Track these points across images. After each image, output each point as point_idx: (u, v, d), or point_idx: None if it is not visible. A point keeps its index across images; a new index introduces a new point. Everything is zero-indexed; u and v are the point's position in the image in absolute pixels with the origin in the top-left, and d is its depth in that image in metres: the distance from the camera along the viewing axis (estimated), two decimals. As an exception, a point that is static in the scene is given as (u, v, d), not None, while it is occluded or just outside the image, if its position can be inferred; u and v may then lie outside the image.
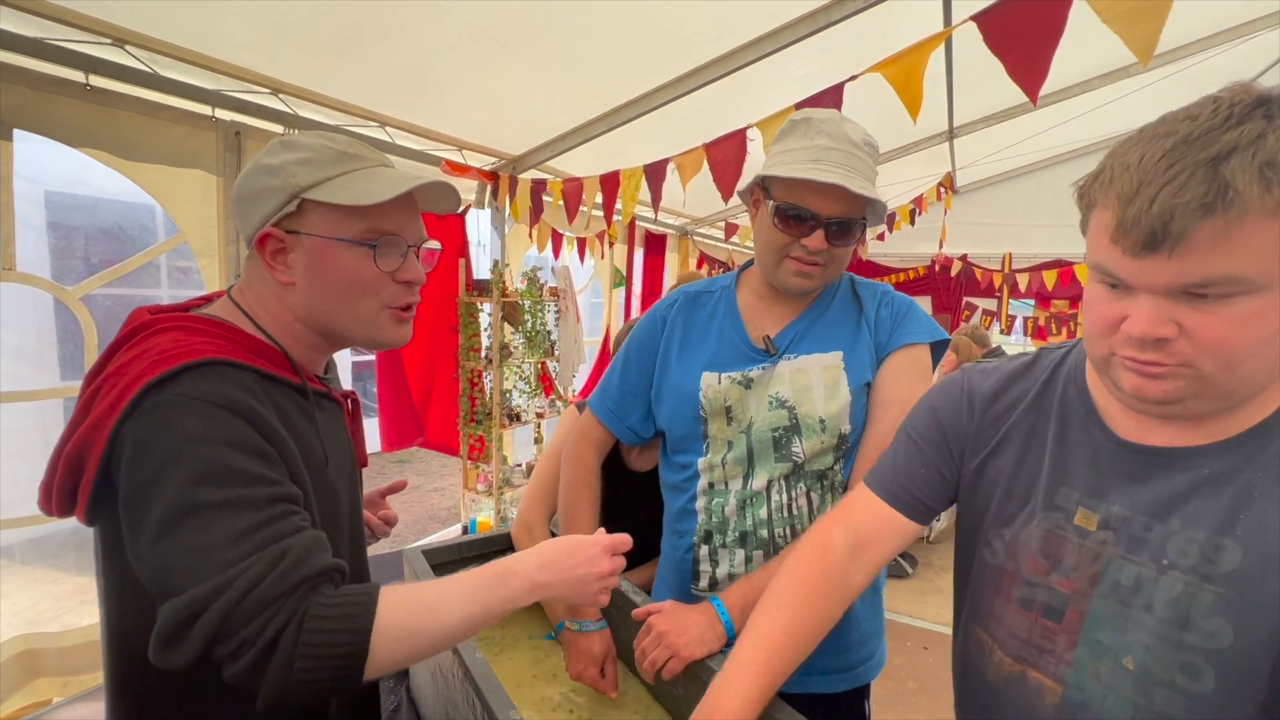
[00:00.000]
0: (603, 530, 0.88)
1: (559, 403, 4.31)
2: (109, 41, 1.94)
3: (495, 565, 0.77)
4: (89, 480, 0.68)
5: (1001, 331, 7.17)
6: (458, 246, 3.72)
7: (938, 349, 1.14)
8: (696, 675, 0.96)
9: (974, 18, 1.65)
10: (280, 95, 2.43)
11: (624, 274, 5.17)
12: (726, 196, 2.44)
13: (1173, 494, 0.66)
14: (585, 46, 2.55)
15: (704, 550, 1.17)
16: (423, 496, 7.00)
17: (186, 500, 0.63)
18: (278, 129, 2.49)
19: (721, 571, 1.15)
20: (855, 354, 1.11)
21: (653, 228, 5.39)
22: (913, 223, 5.69)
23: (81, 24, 1.86)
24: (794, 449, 1.10)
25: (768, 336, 1.14)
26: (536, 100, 2.96)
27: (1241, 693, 0.61)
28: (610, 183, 3.02)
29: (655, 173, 2.76)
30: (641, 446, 1.47)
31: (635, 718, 1.08)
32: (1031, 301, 7.27)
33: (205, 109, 2.25)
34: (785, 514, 1.11)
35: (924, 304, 1.26)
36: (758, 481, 1.11)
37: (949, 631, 0.94)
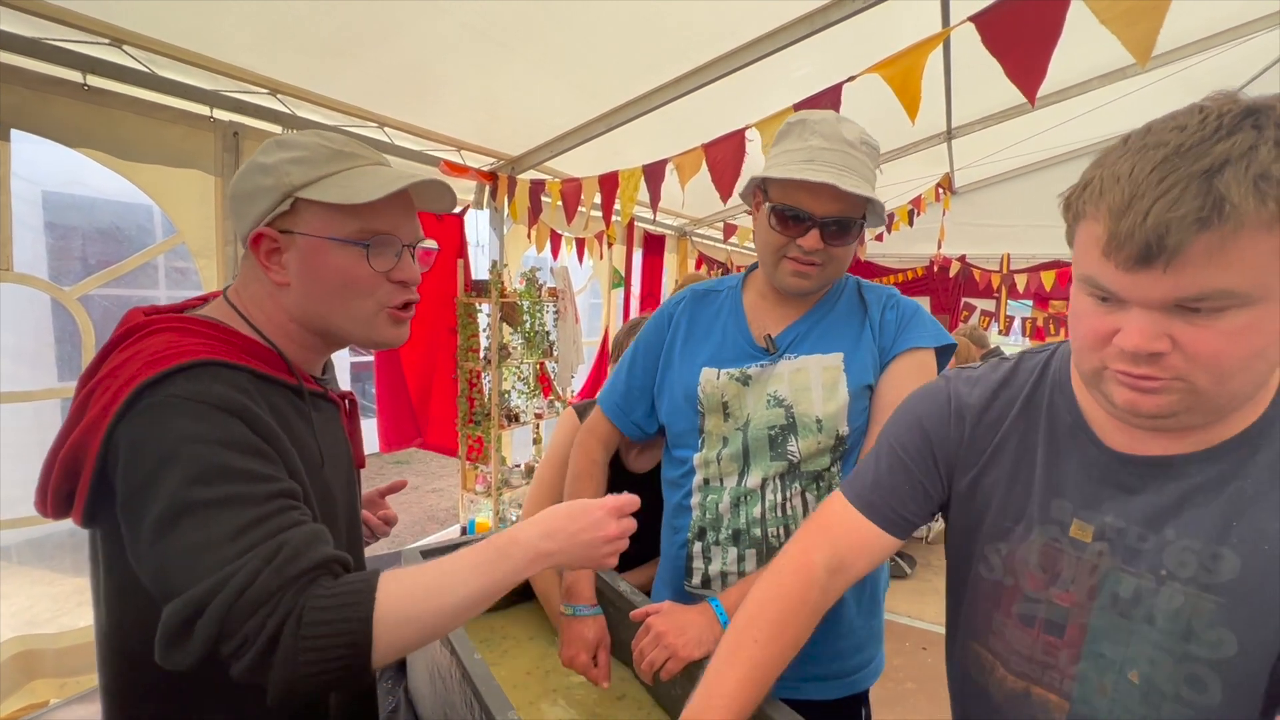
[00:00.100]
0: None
1: (558, 403, 4.31)
2: (107, 41, 1.93)
3: (498, 538, 0.76)
4: (85, 483, 0.68)
5: (1000, 332, 7.19)
6: (456, 247, 3.72)
7: (944, 354, 1.13)
8: (695, 676, 0.96)
9: (972, 18, 1.66)
10: (278, 95, 2.42)
11: (623, 275, 5.16)
12: (725, 197, 2.44)
13: (1165, 504, 0.66)
14: (584, 47, 2.54)
15: (697, 547, 1.17)
16: (421, 497, 6.99)
17: (182, 500, 0.63)
18: (276, 129, 2.49)
19: (714, 569, 1.15)
20: (857, 356, 1.10)
21: (651, 228, 5.39)
22: (911, 223, 5.70)
23: (79, 24, 1.85)
24: (789, 448, 1.10)
25: (769, 335, 1.14)
26: (535, 101, 2.96)
27: (1248, 700, 0.61)
28: (609, 183, 3.02)
29: (654, 173, 2.76)
30: (640, 447, 1.48)
31: (634, 718, 1.08)
32: (1030, 302, 7.29)
33: (203, 109, 2.25)
34: (779, 513, 1.11)
35: (922, 304, 1.26)
36: (752, 479, 1.12)
37: (947, 632, 0.94)
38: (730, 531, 1.13)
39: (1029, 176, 6.48)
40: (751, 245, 5.14)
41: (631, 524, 0.84)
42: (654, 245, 5.51)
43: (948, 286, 7.35)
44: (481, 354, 3.80)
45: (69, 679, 2.10)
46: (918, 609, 3.72)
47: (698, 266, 6.02)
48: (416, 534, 5.80)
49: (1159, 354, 0.56)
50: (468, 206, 3.69)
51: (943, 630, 0.91)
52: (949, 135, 4.65)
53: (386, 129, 2.89)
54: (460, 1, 2.11)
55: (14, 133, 1.83)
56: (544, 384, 4.26)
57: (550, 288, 4.11)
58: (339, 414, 0.92)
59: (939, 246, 6.55)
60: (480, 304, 3.77)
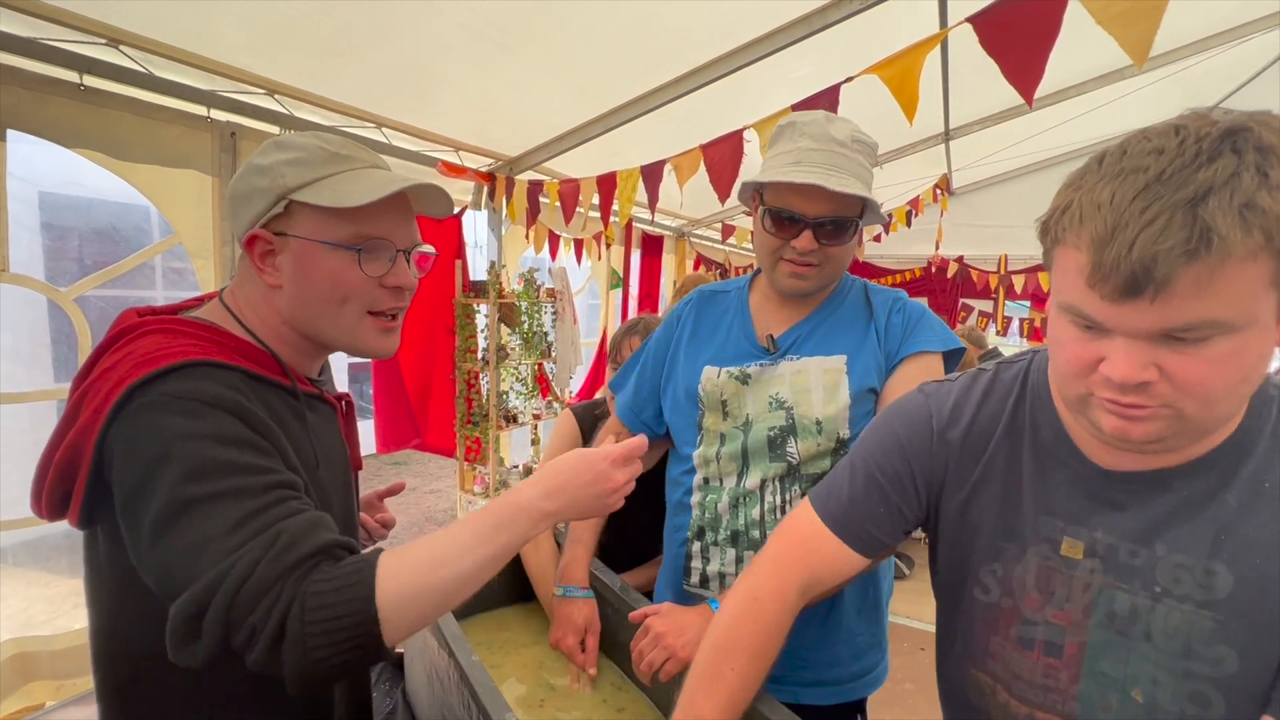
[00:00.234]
0: (612, 439, 0.86)
1: (556, 404, 4.31)
2: (103, 41, 1.93)
3: (500, 505, 0.74)
4: (81, 485, 0.68)
5: (998, 333, 7.21)
6: (454, 248, 3.72)
7: (951, 358, 1.11)
8: (693, 677, 0.96)
9: (969, 19, 1.66)
10: (276, 96, 2.42)
11: (621, 275, 5.17)
12: (723, 197, 2.44)
13: (1154, 519, 0.65)
14: (582, 47, 2.55)
15: (696, 546, 1.17)
16: (419, 498, 6.98)
17: (179, 498, 0.63)
18: (273, 130, 2.48)
19: (712, 569, 1.15)
20: (860, 359, 1.10)
21: (650, 229, 5.40)
22: (909, 224, 5.70)
23: (75, 24, 1.85)
24: (789, 450, 1.10)
25: (771, 335, 1.14)
26: (533, 101, 2.96)
27: (1251, 715, 0.61)
28: (607, 184, 3.02)
29: (652, 174, 2.76)
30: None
31: (633, 719, 1.08)
32: (1027, 303, 7.31)
33: (200, 109, 2.25)
34: (778, 515, 1.10)
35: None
36: (751, 480, 1.12)
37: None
38: (729, 532, 1.13)
39: (1027, 177, 6.49)
40: (749, 246, 5.15)
41: (638, 467, 0.82)
42: (652, 246, 5.52)
43: (945, 287, 7.37)
44: (479, 355, 3.80)
45: (65, 681, 2.10)
46: (916, 609, 3.72)
47: (695, 267, 6.03)
48: (414, 535, 5.77)
49: (1147, 383, 0.56)
50: (465, 207, 3.69)
51: (942, 631, 0.91)
52: (947, 136, 4.65)
53: (384, 129, 2.89)
54: (458, 2, 2.11)
55: (10, 133, 1.82)
56: (542, 385, 4.26)
57: (548, 288, 4.11)
58: (335, 416, 0.92)
59: (937, 247, 6.55)
60: (478, 305, 3.77)
